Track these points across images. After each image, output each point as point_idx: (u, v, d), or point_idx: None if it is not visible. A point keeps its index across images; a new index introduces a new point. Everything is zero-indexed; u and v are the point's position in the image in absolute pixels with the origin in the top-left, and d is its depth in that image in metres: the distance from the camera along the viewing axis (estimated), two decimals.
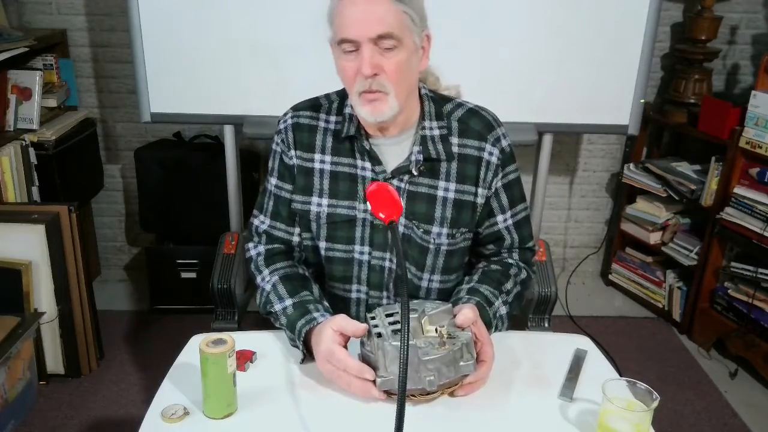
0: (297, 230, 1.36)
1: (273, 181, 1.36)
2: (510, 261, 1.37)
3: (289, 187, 1.34)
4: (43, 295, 2.25)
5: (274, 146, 1.36)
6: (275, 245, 1.37)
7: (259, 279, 1.34)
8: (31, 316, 2.19)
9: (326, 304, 1.28)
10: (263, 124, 2.32)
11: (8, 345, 2.05)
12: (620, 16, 2.29)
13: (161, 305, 2.82)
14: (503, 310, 1.28)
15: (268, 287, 1.31)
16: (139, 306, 2.90)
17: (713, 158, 2.58)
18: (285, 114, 1.35)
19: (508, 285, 1.31)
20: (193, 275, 2.78)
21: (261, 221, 1.38)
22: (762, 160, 2.42)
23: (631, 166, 2.90)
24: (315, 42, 2.29)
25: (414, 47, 1.19)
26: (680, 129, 2.79)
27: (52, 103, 2.62)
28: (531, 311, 2.45)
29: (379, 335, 1.07)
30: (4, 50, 2.30)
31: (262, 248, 1.37)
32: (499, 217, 1.34)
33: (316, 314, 1.22)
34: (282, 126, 1.34)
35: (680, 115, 2.74)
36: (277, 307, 1.27)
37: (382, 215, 1.06)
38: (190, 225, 2.82)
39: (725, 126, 2.50)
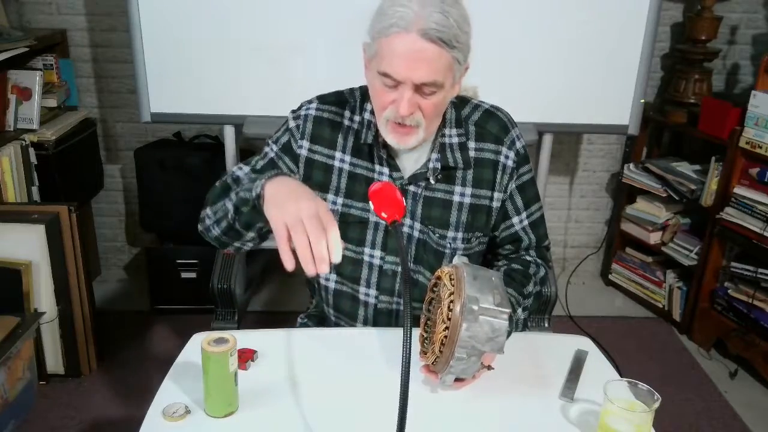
0: None
1: (275, 148, 1.31)
2: (528, 258, 1.36)
3: (284, 167, 1.30)
4: (43, 295, 2.24)
5: (290, 123, 1.31)
6: None
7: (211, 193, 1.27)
8: (31, 316, 2.19)
9: None
10: (263, 124, 2.31)
11: (8, 345, 2.05)
12: (620, 16, 2.29)
13: (161, 305, 2.82)
14: (522, 315, 1.28)
15: (218, 183, 1.26)
16: (139, 306, 2.90)
17: (713, 158, 2.58)
18: (310, 101, 1.32)
19: (530, 287, 1.31)
20: (193, 275, 2.77)
21: (242, 171, 1.30)
22: (762, 160, 2.42)
23: (631, 166, 2.90)
24: (315, 42, 2.31)
25: (452, 82, 1.17)
26: (680, 129, 2.79)
27: (52, 103, 2.62)
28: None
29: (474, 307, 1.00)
30: (4, 50, 2.30)
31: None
32: (515, 219, 1.34)
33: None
34: (304, 112, 1.30)
35: (680, 115, 2.74)
36: (231, 194, 1.17)
37: (384, 215, 1.05)
38: (190, 225, 2.79)
39: (725, 126, 2.51)
